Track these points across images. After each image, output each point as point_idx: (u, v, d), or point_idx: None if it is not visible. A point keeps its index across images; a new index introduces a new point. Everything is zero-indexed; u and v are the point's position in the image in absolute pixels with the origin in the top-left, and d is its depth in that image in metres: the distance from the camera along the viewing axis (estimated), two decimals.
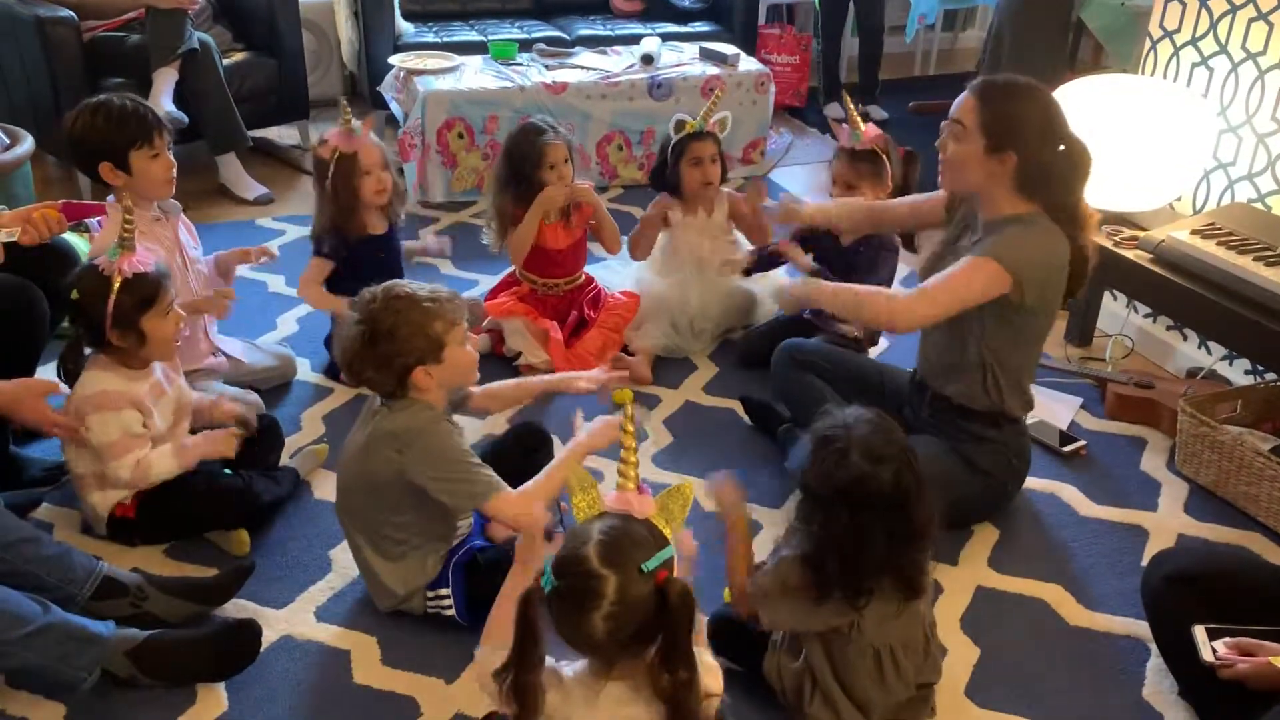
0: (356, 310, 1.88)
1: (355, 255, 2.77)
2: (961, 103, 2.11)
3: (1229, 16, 2.78)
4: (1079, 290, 2.19)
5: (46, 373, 2.52)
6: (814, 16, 5.18)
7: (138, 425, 2.14)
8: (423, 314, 1.85)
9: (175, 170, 2.52)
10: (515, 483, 1.96)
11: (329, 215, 2.74)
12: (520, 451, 2.25)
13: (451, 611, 2.00)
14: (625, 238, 3.57)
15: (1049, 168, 2.08)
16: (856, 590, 1.65)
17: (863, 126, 2.78)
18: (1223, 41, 2.82)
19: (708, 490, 1.89)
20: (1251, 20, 2.72)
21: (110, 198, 2.52)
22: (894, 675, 1.72)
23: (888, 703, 1.74)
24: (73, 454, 2.18)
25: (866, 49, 5.06)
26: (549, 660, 1.41)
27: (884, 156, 2.79)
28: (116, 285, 2.08)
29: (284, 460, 2.45)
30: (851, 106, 2.84)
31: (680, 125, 2.95)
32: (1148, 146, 2.72)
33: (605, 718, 1.38)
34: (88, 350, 2.19)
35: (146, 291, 2.11)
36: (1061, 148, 2.08)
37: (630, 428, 1.43)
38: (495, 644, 1.52)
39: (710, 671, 1.50)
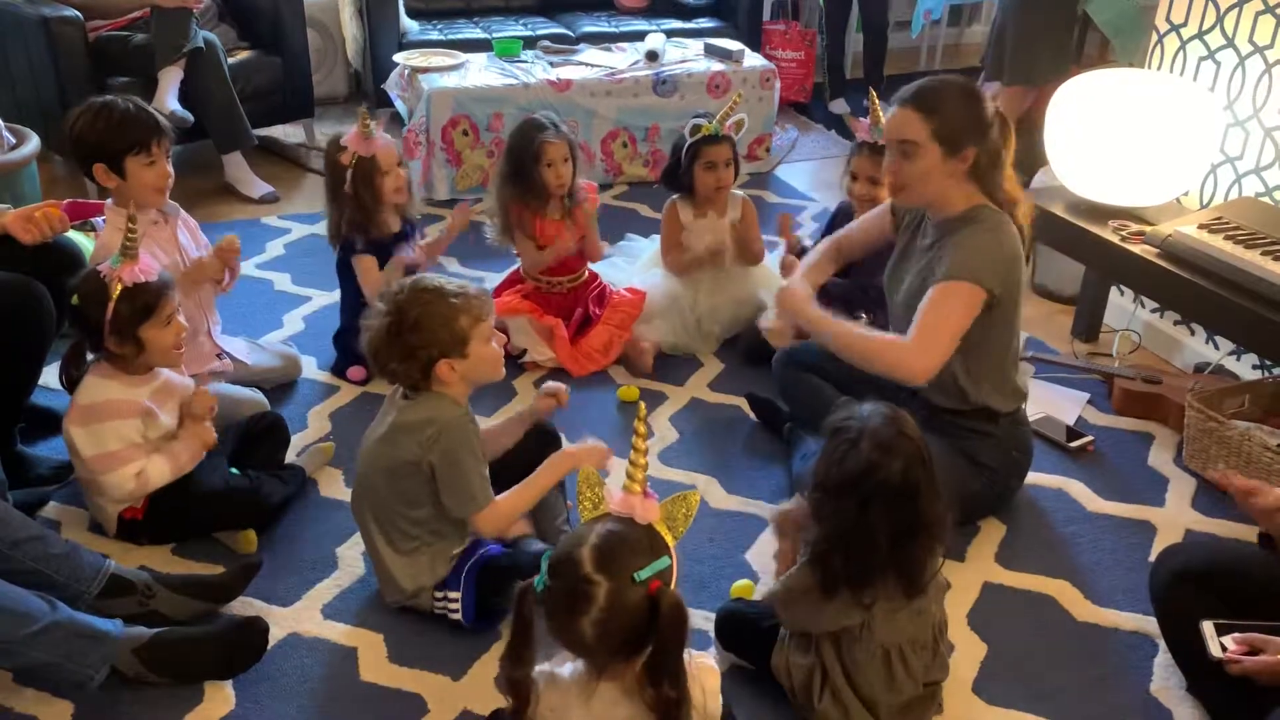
0: (384, 301, 1.89)
1: (380, 257, 2.78)
2: (899, 122, 2.10)
3: (1236, 10, 2.77)
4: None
5: (53, 373, 2.54)
6: (819, 13, 5.17)
7: (137, 434, 2.14)
8: (448, 307, 1.86)
9: (171, 180, 2.51)
10: (515, 475, 2.02)
11: (350, 219, 2.75)
12: (533, 447, 2.23)
13: (458, 615, 1.99)
14: (637, 237, 3.59)
15: (994, 150, 2.12)
16: (861, 586, 1.65)
17: (884, 121, 2.78)
18: (1230, 35, 2.80)
19: (772, 517, 1.97)
20: (1259, 13, 2.71)
21: (109, 200, 2.53)
22: (903, 674, 1.72)
23: (896, 702, 1.74)
24: (77, 461, 2.18)
25: (871, 45, 5.05)
26: (547, 665, 1.42)
27: None
28: (115, 294, 2.08)
29: (290, 458, 2.45)
30: (877, 102, 2.83)
31: (696, 129, 2.95)
32: (1154, 141, 2.70)
33: (599, 717, 1.39)
34: (90, 355, 2.19)
35: (145, 301, 2.10)
36: (994, 128, 2.12)
37: (642, 429, 1.41)
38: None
39: (708, 671, 1.49)
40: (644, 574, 1.32)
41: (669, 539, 1.39)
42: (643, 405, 1.46)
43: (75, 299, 2.11)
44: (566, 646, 1.38)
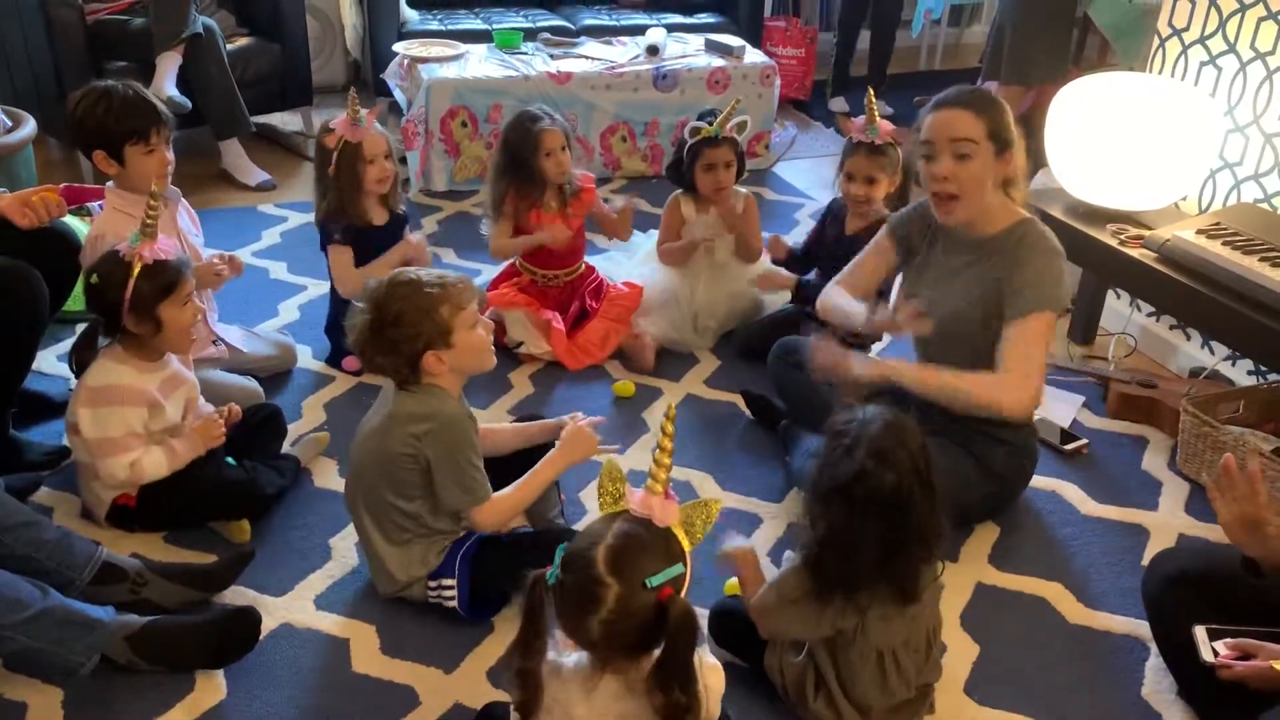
0: (364, 299, 1.88)
1: (359, 247, 2.76)
2: (953, 121, 2.11)
3: (1238, 15, 2.77)
4: None
5: (46, 357, 2.53)
6: (819, 8, 5.15)
7: (140, 424, 2.14)
8: (427, 299, 1.85)
9: (172, 167, 2.50)
10: (517, 473, 1.99)
11: (330, 203, 2.74)
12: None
13: (453, 603, 1.99)
14: (635, 231, 3.58)
15: (1023, 158, 2.18)
16: (852, 591, 1.64)
17: (879, 121, 2.79)
18: (1231, 40, 2.80)
19: (722, 550, 1.89)
20: (1261, 19, 2.71)
21: (110, 183, 2.52)
22: (896, 677, 1.72)
23: (888, 704, 1.73)
24: (76, 442, 2.17)
25: (878, 44, 5.04)
26: (551, 654, 1.41)
27: (898, 149, 2.81)
28: (136, 272, 2.07)
29: (285, 448, 2.44)
30: (875, 102, 2.83)
31: (695, 131, 2.94)
32: (1154, 145, 2.71)
33: (601, 711, 1.38)
34: (102, 341, 2.18)
35: (166, 279, 2.10)
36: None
37: (670, 429, 1.40)
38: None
39: (713, 671, 1.49)
40: (656, 580, 1.31)
41: (685, 544, 1.37)
42: (672, 405, 1.44)
43: (94, 278, 2.11)
44: (572, 639, 1.38)
